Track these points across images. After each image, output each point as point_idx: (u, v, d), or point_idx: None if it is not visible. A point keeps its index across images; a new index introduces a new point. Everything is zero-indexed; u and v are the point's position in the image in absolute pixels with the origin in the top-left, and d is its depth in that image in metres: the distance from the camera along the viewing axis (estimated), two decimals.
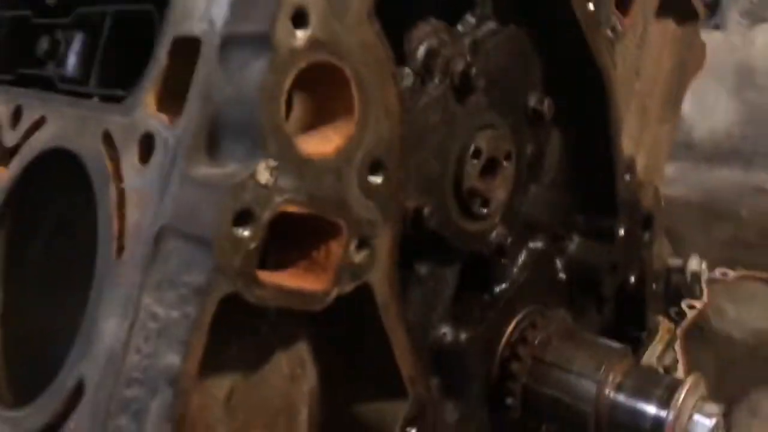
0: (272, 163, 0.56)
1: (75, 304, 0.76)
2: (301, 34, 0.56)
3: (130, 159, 0.64)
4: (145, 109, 0.64)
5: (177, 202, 0.57)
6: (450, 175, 0.84)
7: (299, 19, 0.56)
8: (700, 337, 1.88)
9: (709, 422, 0.84)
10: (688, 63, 1.18)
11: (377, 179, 0.66)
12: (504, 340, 0.99)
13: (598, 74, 0.94)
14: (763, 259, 2.17)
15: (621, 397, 0.91)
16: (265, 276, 0.60)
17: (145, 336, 0.57)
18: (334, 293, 0.65)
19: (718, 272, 2.03)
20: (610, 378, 0.93)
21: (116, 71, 0.74)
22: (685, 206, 2.45)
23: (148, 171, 0.61)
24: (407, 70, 0.79)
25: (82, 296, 0.75)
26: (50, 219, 0.80)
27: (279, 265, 0.67)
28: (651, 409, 0.88)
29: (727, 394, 1.71)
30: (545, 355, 0.97)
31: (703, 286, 1.99)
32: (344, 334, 0.74)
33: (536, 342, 0.98)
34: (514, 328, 1.00)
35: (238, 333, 0.67)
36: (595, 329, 1.22)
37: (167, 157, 0.60)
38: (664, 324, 1.25)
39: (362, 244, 0.66)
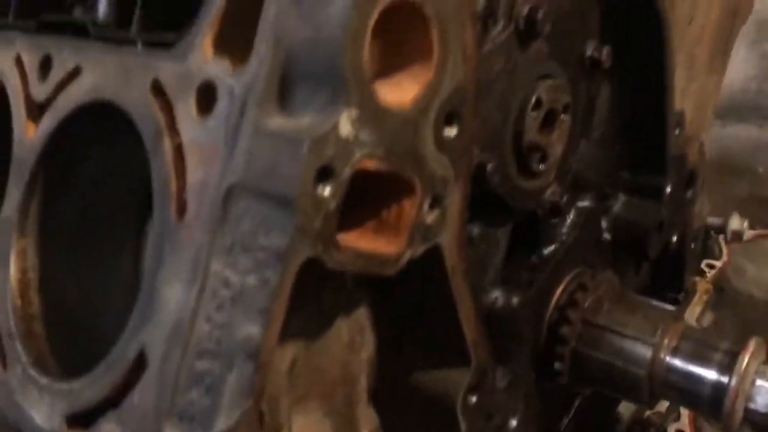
0: (354, 113, 0.51)
1: (115, 267, 0.71)
2: None
3: (186, 110, 0.58)
4: (203, 54, 0.58)
5: (250, 157, 0.52)
6: (510, 128, 0.79)
7: None
8: (720, 297, 1.86)
9: None
10: (738, 9, 1.12)
11: (452, 131, 0.61)
12: (553, 303, 0.95)
13: (657, 19, 0.88)
14: None
15: (677, 361, 0.88)
16: (343, 238, 0.55)
17: (217, 304, 0.52)
18: (407, 256, 0.60)
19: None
20: (666, 341, 0.90)
21: (161, 14, 0.68)
22: None
23: (210, 123, 0.55)
24: None
25: (122, 258, 0.70)
26: (86, 178, 0.74)
27: (344, 227, 0.62)
28: (711, 374, 0.85)
29: None
30: (597, 318, 0.94)
31: (722, 246, 1.97)
32: (407, 299, 0.70)
33: (587, 305, 0.95)
34: (563, 290, 0.96)
35: (304, 302, 0.63)
36: (633, 291, 1.20)
37: (233, 108, 0.54)
38: (701, 284, 1.22)
39: (435, 203, 0.61)
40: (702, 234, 1.39)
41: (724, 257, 1.93)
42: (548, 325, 0.95)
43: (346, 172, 0.52)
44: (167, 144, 0.57)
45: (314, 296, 0.64)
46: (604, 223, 1.05)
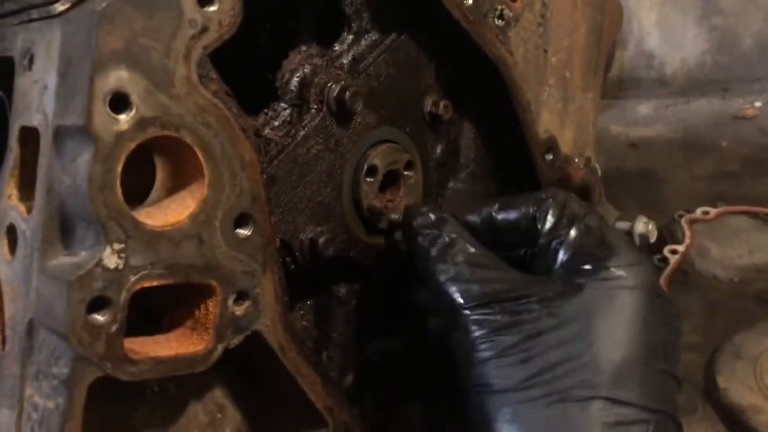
0: (118, 246, 0.58)
1: None
2: (124, 117, 0.57)
3: (1, 251, 0.65)
4: (8, 199, 0.65)
5: (37, 295, 0.59)
6: (348, 198, 0.84)
7: (119, 103, 0.56)
8: (685, 281, 1.87)
9: None
10: (603, 27, 1.15)
11: (246, 231, 0.67)
12: None
13: (493, 65, 0.92)
14: (748, 189, 2.13)
15: None
16: (139, 349, 0.62)
17: (30, 427, 0.59)
18: (219, 350, 0.66)
19: (699, 211, 2.01)
20: None
21: None
22: (666, 145, 2.42)
23: (15, 264, 0.63)
24: (282, 104, 0.79)
25: None
26: None
27: (172, 326, 0.69)
28: None
29: (714, 337, 1.71)
30: None
31: (685, 228, 1.97)
32: (256, 377, 0.76)
33: None
34: None
35: (142, 397, 0.70)
36: None
37: (27, 250, 0.61)
38: None
39: (241, 296, 0.67)
40: None
41: (687, 240, 1.94)
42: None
43: (123, 297, 0.58)
44: None
45: (153, 391, 0.70)
46: None
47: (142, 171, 0.67)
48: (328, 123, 0.80)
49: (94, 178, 0.55)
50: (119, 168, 0.57)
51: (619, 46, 2.54)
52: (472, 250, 0.72)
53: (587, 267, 0.69)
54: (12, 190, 0.65)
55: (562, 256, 0.71)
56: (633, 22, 2.44)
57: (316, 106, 0.79)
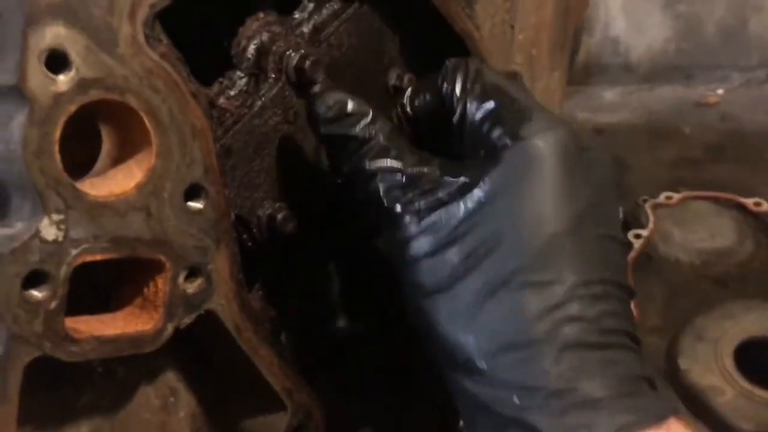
0: (57, 217, 0.54)
1: None
2: (63, 78, 0.53)
3: None
4: None
5: None
6: (311, 170, 0.81)
7: (57, 62, 0.52)
8: (648, 265, 1.89)
9: None
10: (571, 6, 1.14)
11: (198, 204, 0.63)
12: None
13: (458, 40, 0.90)
14: (709, 174, 2.16)
15: None
16: (83, 328, 0.58)
17: None
18: (169, 330, 0.63)
19: (663, 196, 2.03)
20: None
21: None
22: (630, 130, 2.43)
23: None
24: (238, 73, 0.75)
25: None
26: None
27: (120, 305, 0.65)
28: None
29: (676, 320, 1.73)
30: None
31: (649, 213, 1.98)
32: (210, 359, 0.73)
33: None
34: None
35: (88, 381, 0.66)
36: None
37: None
38: None
39: (193, 273, 0.64)
40: None
41: (651, 225, 1.95)
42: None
43: (63, 272, 0.54)
44: None
45: (101, 374, 0.67)
46: None
47: (90, 140, 0.63)
48: (287, 93, 0.77)
49: (30, 142, 0.51)
50: (57, 133, 0.53)
51: (585, 32, 2.54)
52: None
53: (500, 139, 0.63)
54: None
55: (474, 127, 0.66)
56: (599, 8, 2.44)
57: (274, 75, 0.76)
